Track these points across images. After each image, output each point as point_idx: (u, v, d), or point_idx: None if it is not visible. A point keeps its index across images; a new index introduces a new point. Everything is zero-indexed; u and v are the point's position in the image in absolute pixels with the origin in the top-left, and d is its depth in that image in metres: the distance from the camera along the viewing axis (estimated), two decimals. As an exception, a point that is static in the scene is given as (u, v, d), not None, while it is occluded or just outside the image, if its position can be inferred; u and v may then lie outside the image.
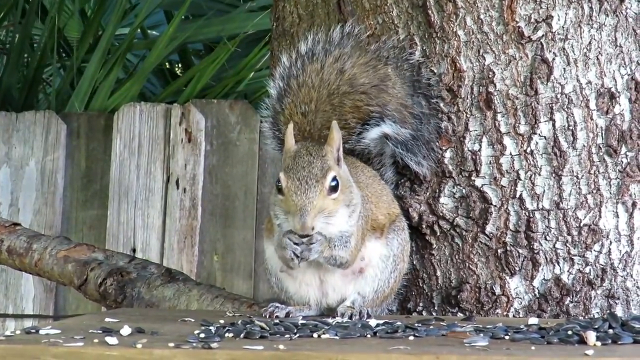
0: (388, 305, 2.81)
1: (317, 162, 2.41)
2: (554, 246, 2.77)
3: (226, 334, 2.05)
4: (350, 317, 2.47)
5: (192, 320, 2.44)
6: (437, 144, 2.75)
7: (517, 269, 2.78)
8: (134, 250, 5.30)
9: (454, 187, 2.75)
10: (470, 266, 2.80)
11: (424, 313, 2.86)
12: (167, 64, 6.96)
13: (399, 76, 2.74)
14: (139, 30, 6.26)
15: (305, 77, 2.76)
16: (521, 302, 2.81)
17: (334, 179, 2.41)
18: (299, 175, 2.38)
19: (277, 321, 2.28)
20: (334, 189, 2.41)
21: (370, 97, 2.75)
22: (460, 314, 2.78)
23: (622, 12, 2.37)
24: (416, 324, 2.25)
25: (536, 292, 2.79)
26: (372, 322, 2.28)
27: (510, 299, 2.80)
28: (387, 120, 2.73)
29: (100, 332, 2.07)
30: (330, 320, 2.39)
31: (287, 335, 2.05)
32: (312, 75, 2.75)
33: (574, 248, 2.77)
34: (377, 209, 2.67)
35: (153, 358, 1.78)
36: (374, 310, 2.67)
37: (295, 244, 2.41)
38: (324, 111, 2.76)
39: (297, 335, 2.07)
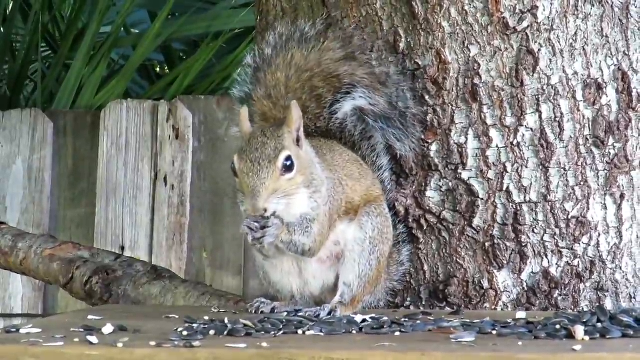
0: (381, 294, 2.78)
1: (271, 143, 2.36)
2: (541, 239, 2.74)
3: (210, 332, 2.01)
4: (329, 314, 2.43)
5: (177, 317, 2.40)
6: (415, 112, 2.71)
7: (504, 262, 2.75)
8: (122, 248, 5.26)
9: (440, 181, 2.72)
10: (458, 260, 2.77)
11: (412, 308, 2.83)
12: (152, 65, 6.92)
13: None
14: (122, 29, 6.22)
15: (273, 67, 2.73)
16: (509, 296, 2.78)
17: (288, 158, 2.36)
18: (252, 156, 2.34)
19: (262, 317, 2.24)
20: (288, 168, 2.36)
21: (338, 66, 2.72)
22: (448, 309, 2.75)
23: (607, 2, 2.33)
24: (403, 319, 2.22)
25: (524, 285, 2.77)
26: (358, 318, 2.25)
27: (499, 292, 2.77)
28: (360, 89, 2.69)
29: (82, 330, 2.03)
30: (315, 316, 2.36)
31: (271, 333, 2.02)
32: (279, 64, 2.72)
33: (562, 241, 2.74)
34: (353, 191, 2.63)
35: (134, 357, 1.75)
36: (369, 298, 2.67)
37: (251, 228, 2.37)
38: (294, 91, 2.72)
39: (282, 332, 2.04)
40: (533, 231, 2.73)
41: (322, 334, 2.03)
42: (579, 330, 1.93)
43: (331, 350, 1.72)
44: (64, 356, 1.75)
